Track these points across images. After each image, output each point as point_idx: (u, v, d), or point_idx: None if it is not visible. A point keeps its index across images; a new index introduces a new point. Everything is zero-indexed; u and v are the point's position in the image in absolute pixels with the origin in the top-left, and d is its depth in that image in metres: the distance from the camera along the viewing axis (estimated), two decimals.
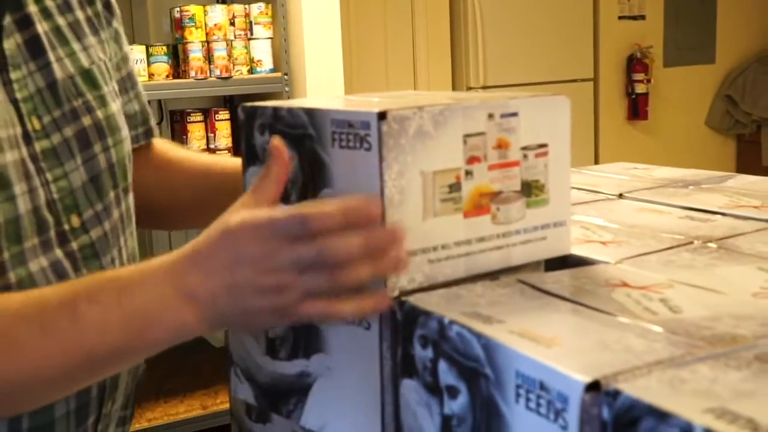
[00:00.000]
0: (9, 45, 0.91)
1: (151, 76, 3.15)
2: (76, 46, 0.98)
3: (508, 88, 4.80)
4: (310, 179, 0.80)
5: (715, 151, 5.64)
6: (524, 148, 0.84)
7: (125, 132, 1.04)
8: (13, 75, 0.90)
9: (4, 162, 0.86)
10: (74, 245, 0.93)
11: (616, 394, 0.53)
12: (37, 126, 0.91)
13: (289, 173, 0.78)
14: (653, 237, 0.92)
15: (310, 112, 0.79)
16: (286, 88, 3.32)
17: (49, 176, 0.92)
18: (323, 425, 0.85)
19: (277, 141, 0.78)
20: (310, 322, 0.79)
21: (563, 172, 0.88)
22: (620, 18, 5.24)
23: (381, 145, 0.73)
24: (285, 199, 0.80)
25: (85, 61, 0.99)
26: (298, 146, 0.81)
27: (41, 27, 0.94)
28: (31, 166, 0.90)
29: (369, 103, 0.81)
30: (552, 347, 0.60)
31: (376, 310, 0.74)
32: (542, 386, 0.58)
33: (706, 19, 5.56)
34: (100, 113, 0.99)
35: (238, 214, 0.74)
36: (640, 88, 5.27)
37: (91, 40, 1.01)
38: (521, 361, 0.60)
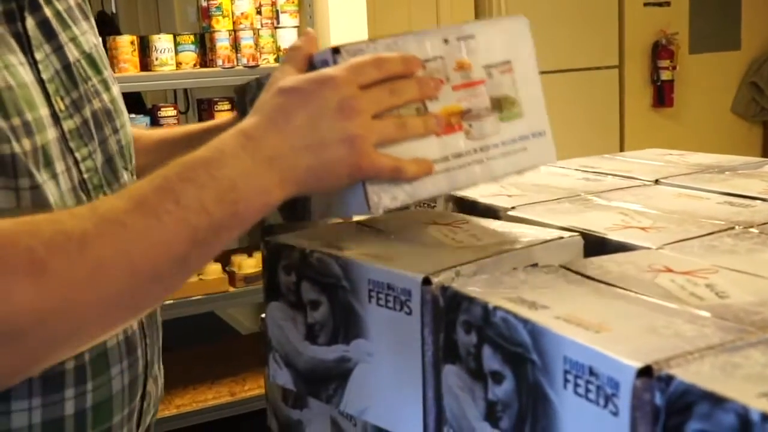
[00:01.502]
0: (30, 25, 0.91)
1: (178, 65, 3.16)
2: (75, 30, 0.99)
3: None
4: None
5: (740, 137, 5.60)
6: (487, 66, 0.87)
7: (127, 116, 1.05)
8: (37, 55, 0.91)
9: (47, 140, 0.87)
10: None
11: (669, 379, 0.53)
12: (62, 106, 0.92)
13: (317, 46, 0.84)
14: (693, 223, 0.92)
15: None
16: None
17: (78, 155, 0.93)
18: (363, 410, 0.85)
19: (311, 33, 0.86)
20: (377, 175, 0.81)
21: (533, 85, 0.91)
22: (645, 5, 5.20)
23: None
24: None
25: (85, 46, 1.00)
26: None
27: (47, 11, 0.95)
28: (63, 146, 0.91)
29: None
30: (600, 332, 0.60)
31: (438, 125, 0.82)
32: (591, 372, 0.58)
33: (731, 5, 5.51)
34: (105, 96, 1.00)
35: (292, 77, 0.79)
36: (665, 75, 5.23)
37: (84, 26, 1.02)
38: (569, 347, 0.60)
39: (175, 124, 3.26)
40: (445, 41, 0.85)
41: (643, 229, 0.90)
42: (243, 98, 0.98)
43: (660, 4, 5.25)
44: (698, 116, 5.41)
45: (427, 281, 0.76)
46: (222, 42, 3.18)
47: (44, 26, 0.93)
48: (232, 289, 3.26)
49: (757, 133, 5.73)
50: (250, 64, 3.22)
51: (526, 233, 0.88)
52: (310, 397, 0.94)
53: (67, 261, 0.67)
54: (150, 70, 3.16)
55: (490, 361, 0.68)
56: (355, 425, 0.92)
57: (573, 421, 0.60)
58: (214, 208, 0.73)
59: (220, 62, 3.19)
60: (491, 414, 0.68)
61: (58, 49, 0.94)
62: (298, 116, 0.77)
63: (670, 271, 0.74)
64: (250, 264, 3.27)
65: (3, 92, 0.82)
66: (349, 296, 0.83)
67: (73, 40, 0.98)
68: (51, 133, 0.88)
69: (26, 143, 0.84)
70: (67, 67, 0.95)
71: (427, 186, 0.83)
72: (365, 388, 0.84)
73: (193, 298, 3.15)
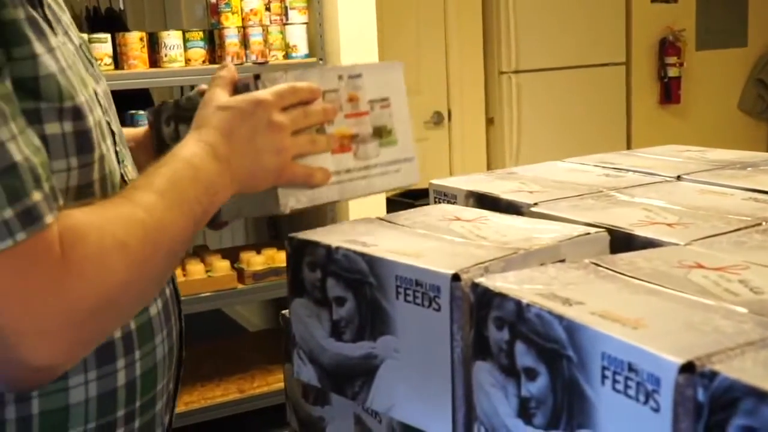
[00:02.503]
0: (47, 10, 0.92)
1: (187, 61, 3.15)
2: (66, 18, 0.99)
3: (541, 72, 4.77)
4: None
5: (747, 134, 5.58)
6: (371, 101, 1.06)
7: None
8: (58, 38, 0.91)
9: (100, 114, 0.92)
10: None
11: (712, 375, 0.52)
12: (93, 83, 0.95)
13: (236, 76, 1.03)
14: (720, 219, 0.91)
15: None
16: None
17: (114, 128, 0.99)
18: (390, 407, 0.85)
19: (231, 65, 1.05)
20: (293, 180, 0.99)
21: (404, 119, 1.10)
22: (653, 1, 5.19)
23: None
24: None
25: (77, 32, 1.01)
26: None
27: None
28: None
29: None
30: (638, 329, 0.60)
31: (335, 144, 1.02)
32: (631, 368, 0.57)
33: (738, 2, 5.50)
34: (104, 82, 1.03)
35: (226, 98, 0.99)
36: (672, 72, 5.21)
37: (66, 17, 1.02)
38: (607, 343, 0.59)
39: None
40: (340, 77, 1.04)
41: (669, 225, 0.90)
42: (159, 116, 1.15)
43: (667, 1, 5.23)
44: (705, 113, 5.39)
45: (456, 277, 0.76)
46: (231, 39, 3.17)
47: (50, 9, 0.93)
48: (240, 286, 3.25)
49: (764, 129, 5.71)
50: (259, 61, 3.21)
51: (551, 229, 0.88)
52: (335, 393, 0.94)
53: (142, 242, 0.81)
54: (159, 67, 3.15)
55: (524, 357, 0.67)
56: (380, 422, 0.92)
57: (611, 417, 0.59)
58: (203, 200, 0.91)
59: (229, 59, 3.18)
60: (524, 410, 0.68)
61: (65, 33, 0.95)
62: (240, 129, 0.96)
63: (702, 267, 0.74)
64: (258, 261, 3.26)
65: (66, 71, 0.87)
66: (376, 293, 0.83)
67: (69, 27, 0.98)
68: (99, 112, 0.93)
69: (95, 116, 0.90)
70: (77, 49, 0.96)
71: (324, 193, 1.01)
72: (392, 384, 0.84)
73: (202, 295, 3.14)
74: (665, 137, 4.30)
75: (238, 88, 1.01)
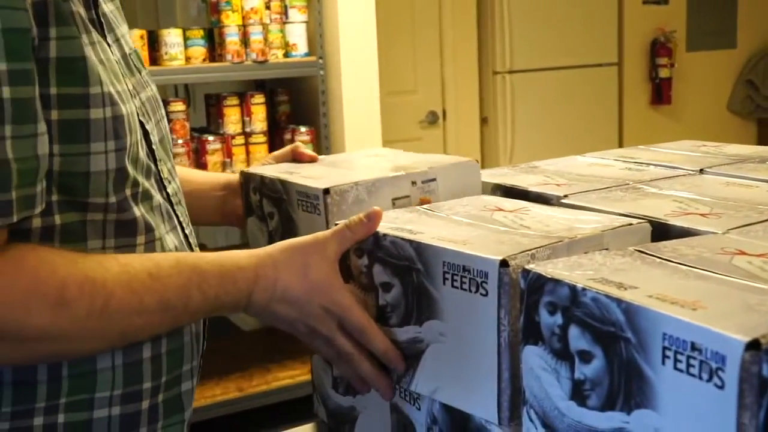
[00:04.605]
0: (101, 13, 0.97)
1: (188, 59, 3.16)
2: (123, 29, 1.06)
3: (534, 73, 4.80)
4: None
5: (736, 134, 5.63)
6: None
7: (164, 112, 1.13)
8: (108, 40, 0.97)
9: (131, 109, 0.94)
10: (169, 190, 1.03)
11: None
12: (130, 86, 0.98)
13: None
14: (751, 209, 0.93)
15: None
16: (321, 72, 3.33)
17: (147, 127, 1.00)
18: (435, 390, 0.87)
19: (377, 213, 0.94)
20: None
21: None
22: (644, 3, 5.23)
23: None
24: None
25: (131, 43, 1.07)
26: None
27: (105, 7, 1.00)
28: (137, 118, 0.98)
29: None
30: (698, 310, 0.61)
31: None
32: (694, 347, 0.59)
33: (728, 4, 5.55)
34: (153, 88, 1.09)
35: (337, 284, 0.92)
36: (663, 73, 5.26)
37: (126, 27, 1.08)
38: (669, 323, 0.61)
39: (184, 119, 3.27)
40: (413, 183, 1.07)
41: (703, 215, 0.92)
42: (248, 183, 1.20)
43: (658, 2, 5.28)
44: (695, 113, 5.44)
45: (504, 263, 0.78)
46: (231, 37, 3.18)
47: (106, 18, 0.99)
48: None
49: (753, 129, 5.77)
50: (259, 59, 3.22)
51: (592, 219, 0.90)
52: None
53: (88, 309, 0.83)
54: (159, 65, 3.16)
55: (578, 340, 0.69)
56: (419, 409, 0.93)
57: (672, 395, 0.61)
58: (202, 314, 0.95)
59: (229, 57, 3.19)
60: (578, 392, 0.69)
61: (117, 41, 1.01)
62: (292, 319, 0.94)
63: (744, 253, 0.76)
64: None
65: (104, 63, 0.90)
66: (422, 278, 0.85)
67: (123, 36, 1.04)
68: (133, 105, 0.96)
69: (126, 107, 0.93)
70: (124, 56, 1.02)
71: None
72: (437, 368, 0.86)
73: None
74: (656, 137, 4.33)
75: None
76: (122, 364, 0.94)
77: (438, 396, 0.87)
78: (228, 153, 3.39)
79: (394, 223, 0.92)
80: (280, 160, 1.26)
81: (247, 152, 3.40)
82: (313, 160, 1.22)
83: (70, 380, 0.91)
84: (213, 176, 1.32)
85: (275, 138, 3.54)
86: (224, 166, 3.38)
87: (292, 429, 1.23)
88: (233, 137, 3.38)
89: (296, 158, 1.25)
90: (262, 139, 3.42)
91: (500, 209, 0.96)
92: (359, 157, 1.28)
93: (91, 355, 0.91)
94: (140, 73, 1.06)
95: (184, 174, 1.26)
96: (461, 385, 0.84)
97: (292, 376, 3.48)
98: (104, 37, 0.95)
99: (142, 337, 0.93)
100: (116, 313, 0.85)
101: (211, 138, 3.36)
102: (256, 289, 0.92)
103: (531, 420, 0.74)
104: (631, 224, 0.87)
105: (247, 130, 3.40)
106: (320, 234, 0.94)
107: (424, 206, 1.01)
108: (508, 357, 0.79)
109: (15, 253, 0.82)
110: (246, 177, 1.20)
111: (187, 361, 1.02)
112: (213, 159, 3.35)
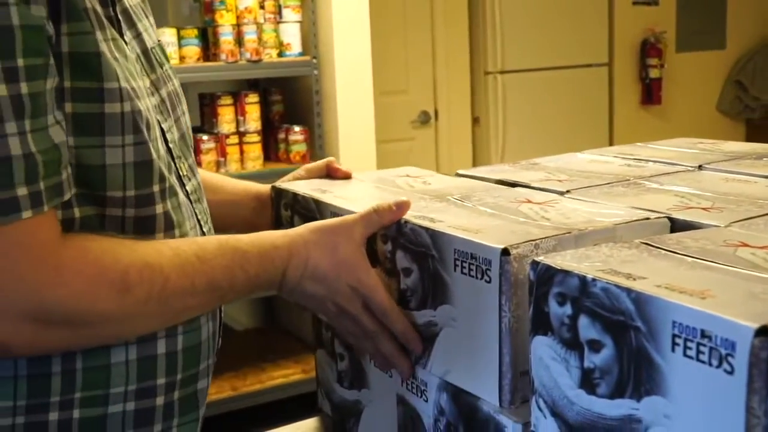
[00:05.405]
0: (119, 10, 0.98)
1: (182, 59, 3.17)
2: (146, 23, 1.06)
3: (525, 73, 4.83)
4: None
5: (725, 135, 5.67)
6: None
7: (186, 106, 1.13)
8: (125, 38, 0.98)
9: (148, 106, 0.95)
10: (188, 188, 1.04)
11: None
12: (147, 83, 0.99)
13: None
14: (751, 203, 0.95)
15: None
16: (315, 72, 3.34)
17: (164, 126, 1.01)
18: (446, 372, 0.91)
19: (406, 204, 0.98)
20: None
21: None
22: (634, 3, 5.27)
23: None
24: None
25: (154, 37, 1.08)
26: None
27: (126, 2, 1.01)
28: (155, 116, 0.99)
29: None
30: (706, 298, 0.63)
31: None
32: (704, 334, 0.61)
33: (717, 5, 5.59)
34: (175, 82, 1.09)
35: (365, 265, 0.97)
36: (653, 73, 5.29)
37: (149, 21, 1.09)
38: (678, 312, 0.62)
39: None
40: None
41: (704, 209, 0.94)
42: (279, 199, 1.21)
43: (648, 3, 5.31)
44: (685, 113, 5.48)
45: (506, 252, 0.80)
46: (225, 36, 3.19)
47: (126, 14, 1.00)
48: None
49: (741, 130, 5.81)
50: (253, 59, 3.23)
51: (614, 214, 0.91)
52: None
53: (148, 293, 0.88)
54: None
55: (588, 330, 0.70)
56: (426, 401, 0.95)
57: (682, 381, 0.63)
58: (241, 293, 0.98)
59: (223, 56, 3.20)
60: (587, 381, 0.71)
61: (137, 36, 1.01)
62: (327, 285, 0.97)
63: (747, 245, 0.78)
64: None
65: (120, 60, 0.92)
66: (437, 265, 0.89)
67: (146, 30, 1.05)
68: (148, 102, 0.97)
69: (142, 103, 0.94)
70: (145, 51, 1.02)
71: None
72: (449, 351, 0.90)
73: None
74: (646, 137, 4.34)
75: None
76: (136, 359, 0.95)
77: (449, 377, 0.91)
78: (222, 152, 3.40)
79: (420, 212, 0.96)
80: (313, 172, 1.27)
81: (241, 151, 3.41)
82: (346, 177, 1.24)
83: (84, 373, 0.92)
84: (245, 187, 1.32)
85: (269, 137, 3.55)
86: (218, 166, 3.39)
87: (296, 423, 1.24)
88: (227, 136, 3.39)
89: (330, 174, 1.26)
90: (255, 138, 3.43)
91: (529, 201, 0.99)
92: (396, 176, 1.24)
93: (134, 338, 0.95)
94: (162, 67, 1.06)
95: (215, 181, 1.29)
96: (468, 368, 0.87)
97: (285, 375, 3.49)
98: (121, 34, 0.96)
99: (193, 314, 0.98)
100: (172, 295, 0.90)
101: (205, 137, 3.37)
102: (289, 266, 0.96)
103: (540, 409, 0.76)
104: (648, 219, 0.89)
105: (241, 129, 3.41)
106: (348, 216, 0.99)
107: (456, 195, 1.05)
108: (508, 342, 0.82)
109: (77, 243, 0.86)
110: (277, 192, 1.21)
111: (203, 359, 1.03)
112: (207, 158, 3.36)
